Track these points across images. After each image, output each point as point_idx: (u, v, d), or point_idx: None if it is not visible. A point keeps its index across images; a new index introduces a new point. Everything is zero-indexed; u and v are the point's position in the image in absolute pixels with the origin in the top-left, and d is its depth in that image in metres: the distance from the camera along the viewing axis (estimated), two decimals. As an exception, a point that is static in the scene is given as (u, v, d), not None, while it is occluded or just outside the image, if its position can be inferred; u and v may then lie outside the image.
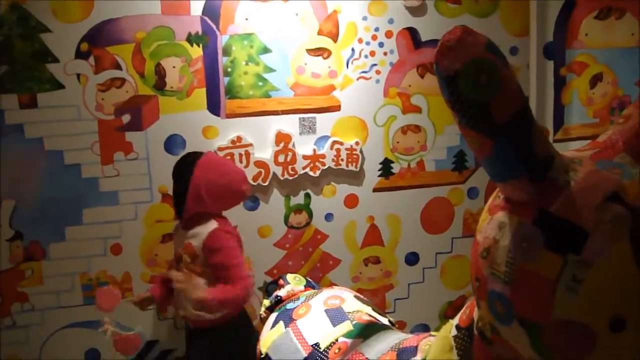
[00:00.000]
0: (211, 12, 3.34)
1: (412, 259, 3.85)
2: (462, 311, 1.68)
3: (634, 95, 3.88)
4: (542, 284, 1.28)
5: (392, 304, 3.81)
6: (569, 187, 1.28)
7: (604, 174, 1.28)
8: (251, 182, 3.47)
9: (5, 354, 3.42)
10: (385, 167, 3.72)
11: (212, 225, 2.87)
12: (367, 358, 2.07)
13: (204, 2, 3.33)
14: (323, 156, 3.57)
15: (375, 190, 3.73)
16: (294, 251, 3.64)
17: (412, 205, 3.78)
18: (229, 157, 3.43)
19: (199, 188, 2.87)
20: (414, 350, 1.89)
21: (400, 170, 3.72)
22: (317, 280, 3.48)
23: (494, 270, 1.37)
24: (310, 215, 3.67)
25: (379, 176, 3.73)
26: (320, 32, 3.50)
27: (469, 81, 1.22)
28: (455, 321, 1.70)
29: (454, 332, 1.67)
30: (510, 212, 1.36)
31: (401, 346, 1.98)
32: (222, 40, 3.40)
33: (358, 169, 3.65)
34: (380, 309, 2.48)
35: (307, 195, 3.65)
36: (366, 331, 2.23)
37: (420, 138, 3.73)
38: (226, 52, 3.40)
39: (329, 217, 3.67)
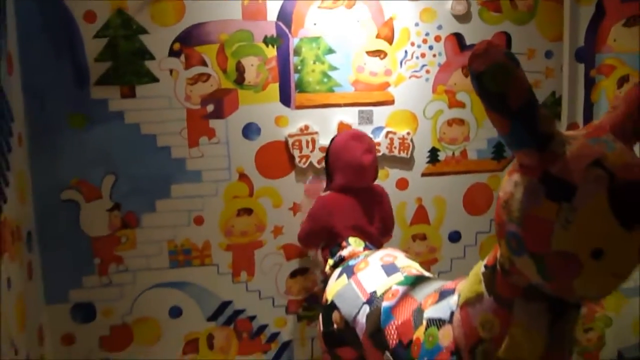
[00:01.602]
0: (284, 18, 3.64)
1: (454, 237, 4.12)
2: (488, 255, 2.14)
3: (658, 95, 4.13)
4: (544, 224, 1.73)
5: (436, 276, 4.05)
6: (565, 155, 1.74)
7: (592, 147, 1.74)
8: (315, 165, 3.77)
9: (101, 308, 3.73)
10: (433, 155, 3.98)
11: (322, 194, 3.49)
12: (415, 299, 2.47)
13: (278, 9, 3.62)
14: (378, 144, 3.82)
15: (423, 175, 3.98)
16: (351, 227, 3.83)
17: (455, 189, 4.03)
18: (297, 143, 3.73)
19: (328, 156, 3.42)
20: (452, 291, 2.31)
21: (445, 158, 3.98)
22: (370, 253, 3.78)
23: (511, 216, 1.83)
24: (367, 195, 3.95)
25: (427, 163, 3.98)
26: (378, 36, 3.78)
27: (491, 78, 1.69)
28: (483, 262, 2.16)
29: (483, 269, 2.12)
30: (522, 174, 1.83)
31: (443, 289, 2.40)
32: (294, 42, 3.68)
33: (409, 156, 3.91)
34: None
35: (364, 178, 3.93)
36: (414, 280, 2.62)
37: (464, 130, 4.00)
38: (297, 52, 3.69)
39: (382, 198, 3.93)
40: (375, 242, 3.35)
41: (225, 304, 3.92)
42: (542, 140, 1.75)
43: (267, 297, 3.97)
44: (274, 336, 4.01)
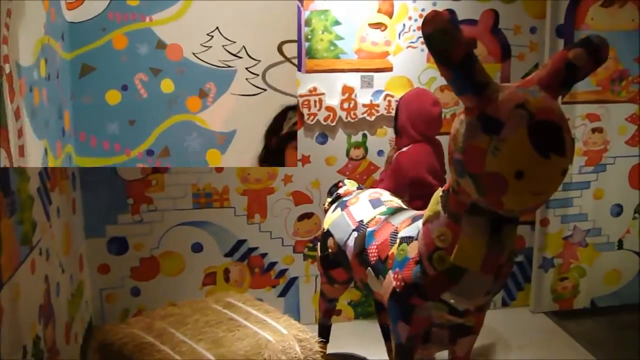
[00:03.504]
0: (298, -8, 4.05)
1: (443, 189, 4.53)
2: (446, 184, 2.67)
3: (632, 69, 4.50)
4: (479, 151, 2.25)
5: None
6: (497, 100, 2.25)
7: (519, 94, 2.25)
8: (322, 122, 4.20)
9: (133, 242, 4.21)
10: (426, 117, 4.33)
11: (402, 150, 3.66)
12: (393, 224, 2.99)
13: (293, -16, 4.03)
14: (378, 105, 4.26)
15: (417, 134, 4.33)
16: (352, 178, 4.18)
17: (446, 147, 4.33)
18: (306, 103, 4.15)
19: (400, 111, 3.69)
20: (422, 216, 2.85)
21: (437, 120, 4.25)
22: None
23: (456, 146, 2.36)
24: (366, 150, 4.37)
25: (420, 123, 4.33)
26: (379, 11, 4.20)
27: (437, 39, 2.21)
28: (442, 189, 2.68)
29: (441, 194, 2.65)
30: (466, 114, 2.35)
31: (415, 215, 2.92)
32: (305, 14, 4.08)
33: (404, 117, 4.26)
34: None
35: (364, 135, 4.34)
36: (394, 211, 3.13)
37: (454, 96, 4.02)
38: (308, 23, 4.10)
39: (380, 153, 4.36)
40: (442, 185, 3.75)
41: (241, 242, 4.40)
42: (478, 87, 2.26)
43: (277, 237, 4.44)
44: (282, 272, 4.50)
